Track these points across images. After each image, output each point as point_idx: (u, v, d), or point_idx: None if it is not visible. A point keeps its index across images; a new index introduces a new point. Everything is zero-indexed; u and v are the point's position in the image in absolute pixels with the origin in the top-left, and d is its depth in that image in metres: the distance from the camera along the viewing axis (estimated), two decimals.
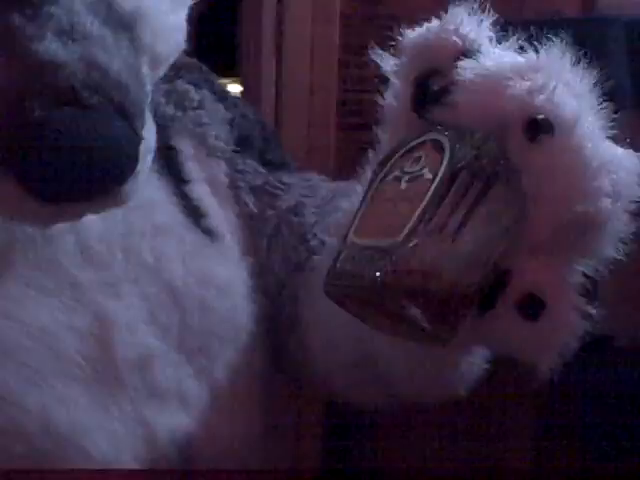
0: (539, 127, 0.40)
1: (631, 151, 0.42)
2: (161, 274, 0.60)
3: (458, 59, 0.43)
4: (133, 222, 0.61)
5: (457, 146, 0.42)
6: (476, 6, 0.44)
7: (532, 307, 0.42)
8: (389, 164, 0.45)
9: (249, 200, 0.68)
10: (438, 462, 1.47)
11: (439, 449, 1.57)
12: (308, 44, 1.55)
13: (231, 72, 1.63)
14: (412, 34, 0.46)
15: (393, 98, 0.47)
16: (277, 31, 1.55)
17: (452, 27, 0.44)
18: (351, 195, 0.52)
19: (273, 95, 1.57)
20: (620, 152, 0.42)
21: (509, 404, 1.55)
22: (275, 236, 0.67)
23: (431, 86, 0.44)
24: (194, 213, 0.64)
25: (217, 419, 0.62)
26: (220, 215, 0.66)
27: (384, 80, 0.48)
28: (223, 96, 0.72)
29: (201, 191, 0.66)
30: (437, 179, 0.41)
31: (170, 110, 0.67)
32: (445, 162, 0.41)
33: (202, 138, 0.68)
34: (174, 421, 0.60)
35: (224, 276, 0.63)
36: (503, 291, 0.42)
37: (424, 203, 0.41)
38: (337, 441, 1.55)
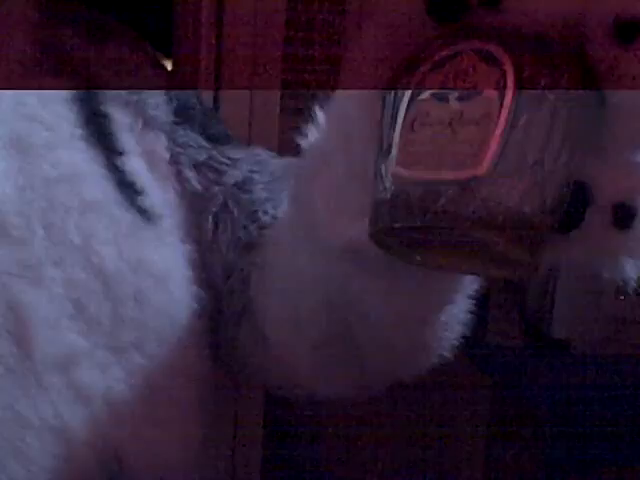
0: (630, 28, 0.36)
1: None
2: (90, 257, 0.55)
3: None
4: (57, 195, 0.55)
5: (520, 57, 0.37)
6: None
7: (625, 217, 0.40)
8: (414, 80, 0.39)
9: (192, 176, 0.63)
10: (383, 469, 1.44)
11: (384, 457, 1.52)
12: (251, 18, 1.44)
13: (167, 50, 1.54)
14: None
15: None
16: (217, 4, 1.45)
17: None
18: (294, 173, 0.51)
19: (212, 75, 1.46)
20: None
21: (461, 412, 1.51)
22: (222, 214, 0.63)
23: None
24: (129, 189, 0.59)
25: (151, 426, 0.57)
26: (158, 193, 0.61)
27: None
28: (159, 63, 0.67)
29: (137, 165, 0.60)
30: (507, 100, 0.37)
31: (101, 72, 0.61)
32: (511, 79, 0.37)
33: (139, 106, 0.62)
34: (102, 429, 0.54)
35: (162, 263, 0.59)
36: (590, 206, 0.40)
37: (501, 125, 0.37)
38: (277, 449, 1.48)
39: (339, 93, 0.47)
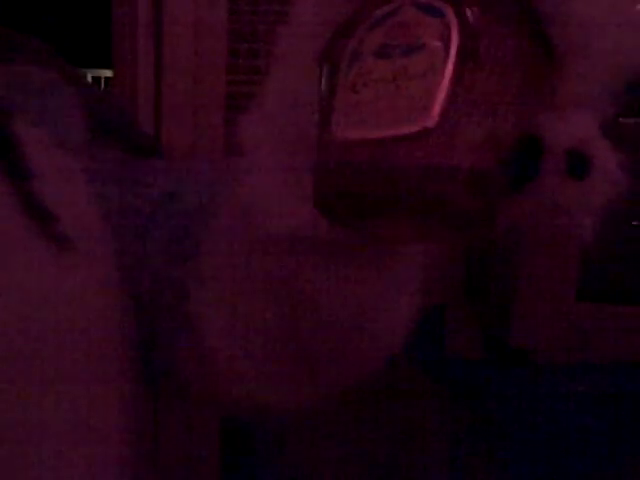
0: None
1: None
2: (1, 289, 0.52)
3: None
4: None
5: (464, 5, 0.36)
6: None
7: (579, 165, 0.39)
8: (351, 44, 0.38)
9: (113, 193, 0.61)
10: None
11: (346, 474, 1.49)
12: (191, 29, 1.40)
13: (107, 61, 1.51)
14: None
15: None
16: (155, 13, 1.41)
17: None
18: (232, 180, 0.50)
19: (152, 89, 1.41)
20: None
21: (424, 427, 1.48)
22: (151, 227, 0.61)
23: None
24: (39, 215, 0.56)
25: (79, 460, 0.54)
26: (73, 217, 0.58)
27: None
28: (75, 79, 0.65)
29: (49, 189, 0.57)
30: (452, 49, 0.36)
31: (7, 94, 0.58)
32: (455, 28, 0.36)
33: (50, 126, 0.60)
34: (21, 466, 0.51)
35: (79, 290, 0.56)
36: (543, 158, 0.39)
37: (447, 77, 0.36)
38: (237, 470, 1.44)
39: (273, 74, 0.46)
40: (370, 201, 0.38)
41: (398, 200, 0.37)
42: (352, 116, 0.38)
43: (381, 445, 1.49)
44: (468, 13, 0.36)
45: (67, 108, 0.61)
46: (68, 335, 0.55)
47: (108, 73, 2.84)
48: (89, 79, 2.92)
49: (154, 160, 0.64)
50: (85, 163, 0.60)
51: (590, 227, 0.41)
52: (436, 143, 0.36)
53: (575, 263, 1.27)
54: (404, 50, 0.37)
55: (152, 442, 0.58)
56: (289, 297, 0.50)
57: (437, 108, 0.36)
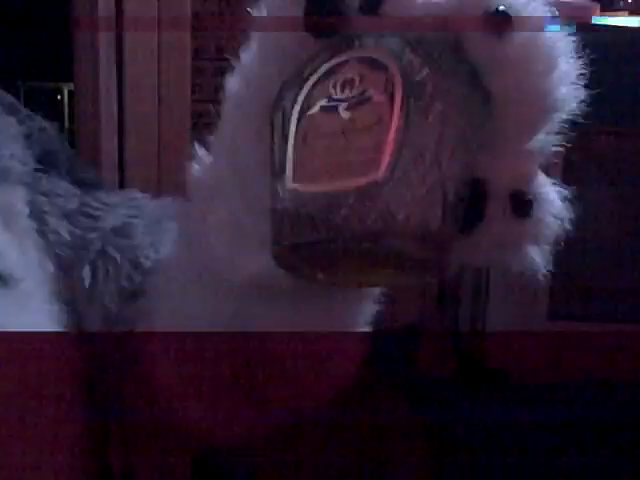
0: (502, 19, 0.38)
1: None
2: None
3: None
4: None
5: (406, 59, 0.38)
6: None
7: (523, 204, 0.41)
8: (300, 96, 0.39)
9: (61, 226, 0.60)
10: None
11: None
12: (154, 49, 1.38)
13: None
14: None
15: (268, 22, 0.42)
16: (115, 32, 1.39)
17: None
18: (180, 213, 0.51)
19: (114, 109, 1.38)
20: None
21: (397, 449, 1.47)
22: (101, 262, 0.60)
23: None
24: None
25: None
26: (15, 253, 0.57)
27: None
28: (14, 108, 0.63)
29: None
30: (397, 102, 0.37)
31: None
32: (399, 81, 0.37)
33: None
34: None
35: (26, 326, 0.55)
36: (488, 200, 0.41)
37: (394, 129, 0.37)
38: None
39: (225, 122, 0.46)
40: (324, 254, 0.39)
41: (350, 251, 0.38)
42: (304, 169, 0.39)
43: (354, 468, 1.48)
44: (410, 66, 0.37)
45: (7, 140, 0.60)
46: (16, 372, 0.53)
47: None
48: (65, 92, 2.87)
49: (102, 193, 0.63)
50: (28, 196, 0.59)
51: (540, 261, 0.42)
52: (385, 195, 0.36)
53: (546, 282, 1.27)
54: (351, 104, 0.38)
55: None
56: (240, 334, 0.50)
57: (385, 161, 0.37)
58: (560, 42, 0.40)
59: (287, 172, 0.39)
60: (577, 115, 0.41)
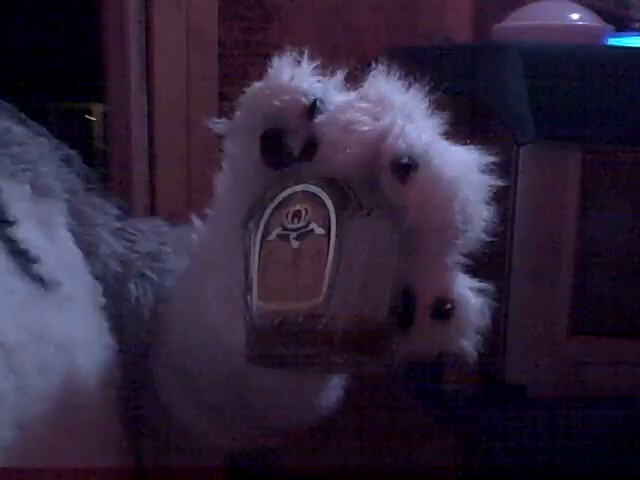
0: (404, 167, 0.45)
1: (467, 150, 0.48)
2: None
3: (307, 113, 0.46)
4: None
5: (337, 197, 0.44)
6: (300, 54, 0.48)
7: (444, 309, 0.47)
8: (262, 221, 0.46)
9: (110, 240, 0.65)
10: None
11: None
12: (183, 74, 1.41)
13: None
14: (251, 90, 0.48)
15: (238, 151, 0.49)
16: (145, 58, 1.42)
17: (293, 85, 0.47)
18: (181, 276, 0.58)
19: (145, 131, 1.42)
20: (461, 155, 0.47)
21: (427, 463, 1.48)
22: (140, 282, 0.64)
23: (283, 143, 0.47)
24: (21, 258, 0.58)
25: None
26: (55, 260, 0.60)
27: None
28: (44, 133, 0.67)
29: (30, 234, 0.60)
30: (332, 235, 0.44)
31: None
32: (333, 217, 0.44)
33: (29, 176, 0.62)
34: None
35: (63, 331, 0.58)
36: (416, 306, 0.47)
37: (330, 261, 0.43)
38: None
39: (211, 218, 0.53)
40: (285, 361, 0.46)
41: (307, 358, 0.45)
42: (265, 288, 0.45)
43: None
44: (343, 201, 0.44)
45: (46, 160, 0.64)
46: (54, 373, 0.56)
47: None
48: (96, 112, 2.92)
49: (134, 219, 0.68)
50: (70, 211, 0.63)
51: (470, 347, 0.49)
52: (327, 316, 0.43)
53: (567, 296, 1.28)
54: (299, 234, 0.44)
55: None
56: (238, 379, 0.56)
57: (324, 289, 0.43)
58: (465, 166, 0.47)
59: (253, 289, 0.45)
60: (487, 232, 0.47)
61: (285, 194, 0.45)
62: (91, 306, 0.62)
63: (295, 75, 0.47)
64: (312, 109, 0.46)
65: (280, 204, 0.46)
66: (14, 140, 0.63)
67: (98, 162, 1.81)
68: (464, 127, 1.37)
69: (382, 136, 0.45)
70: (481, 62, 1.29)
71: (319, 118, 0.46)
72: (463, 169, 0.47)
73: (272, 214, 0.46)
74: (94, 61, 1.56)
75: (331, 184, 0.45)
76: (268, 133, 0.47)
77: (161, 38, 1.43)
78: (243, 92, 0.49)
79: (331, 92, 0.47)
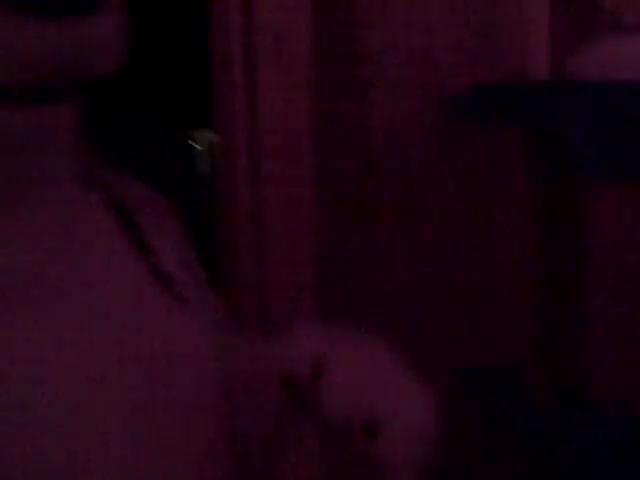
0: (370, 429, 0.56)
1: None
2: (135, 347, 0.59)
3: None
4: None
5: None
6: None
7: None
8: None
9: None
10: None
11: None
12: (281, 113, 1.50)
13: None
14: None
15: None
16: (249, 96, 1.50)
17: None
18: None
19: (249, 169, 1.52)
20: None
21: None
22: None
23: None
24: (163, 279, 0.65)
25: None
26: (187, 283, 0.68)
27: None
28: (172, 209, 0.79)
29: (168, 263, 0.67)
30: None
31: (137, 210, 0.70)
32: None
33: (171, 241, 0.73)
34: None
35: (193, 343, 0.63)
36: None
37: None
38: None
39: None
40: None
41: None
42: None
43: None
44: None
45: (175, 234, 0.75)
46: (182, 382, 0.61)
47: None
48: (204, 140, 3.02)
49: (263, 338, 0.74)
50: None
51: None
52: None
53: None
54: None
55: None
56: None
57: None
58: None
59: None
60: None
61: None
62: (213, 319, 0.70)
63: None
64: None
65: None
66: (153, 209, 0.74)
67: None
68: (541, 163, 1.43)
69: (348, 406, 0.60)
70: (556, 99, 1.33)
71: None
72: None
73: None
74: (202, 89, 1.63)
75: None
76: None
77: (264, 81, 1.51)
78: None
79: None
